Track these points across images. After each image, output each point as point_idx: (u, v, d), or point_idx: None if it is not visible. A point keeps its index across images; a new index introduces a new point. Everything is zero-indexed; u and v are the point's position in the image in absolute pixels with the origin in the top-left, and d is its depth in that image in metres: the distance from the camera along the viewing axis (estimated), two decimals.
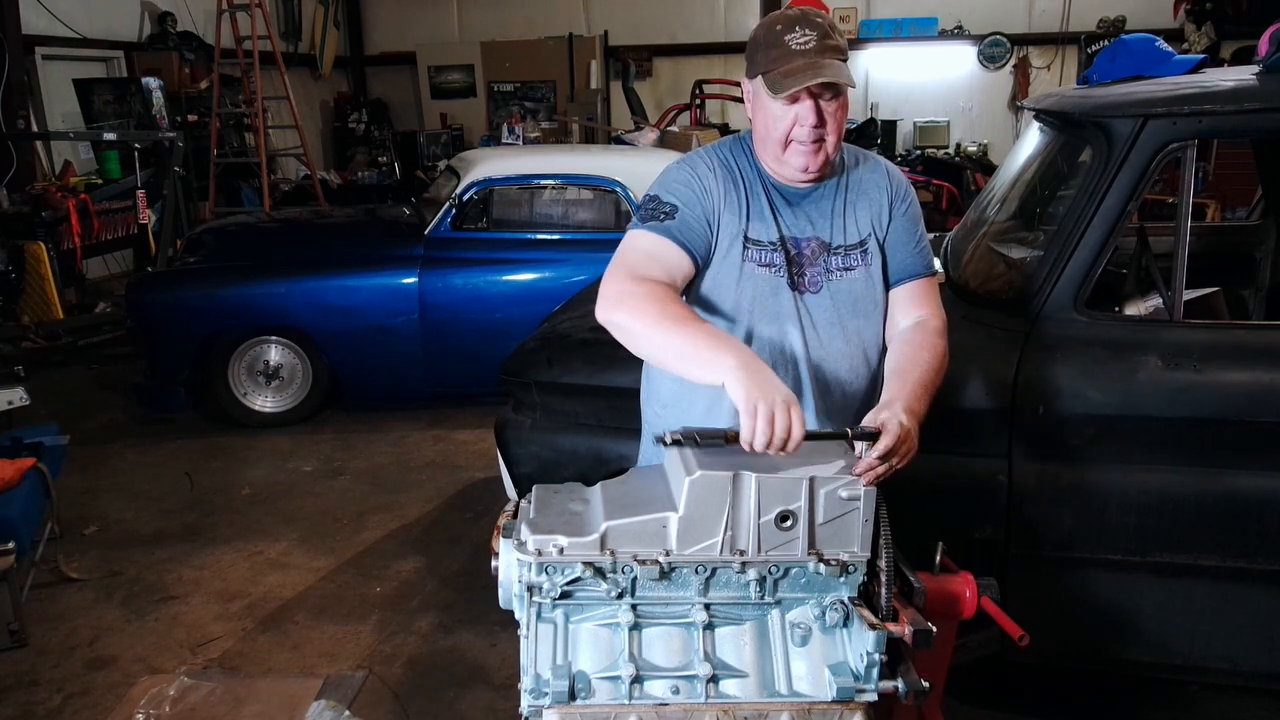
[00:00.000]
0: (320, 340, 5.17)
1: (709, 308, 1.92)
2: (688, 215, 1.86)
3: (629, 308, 1.74)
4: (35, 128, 7.91)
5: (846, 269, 1.92)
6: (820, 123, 1.79)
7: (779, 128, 1.82)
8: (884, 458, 1.62)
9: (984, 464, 2.47)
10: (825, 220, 1.92)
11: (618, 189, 5.27)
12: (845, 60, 1.79)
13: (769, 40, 1.79)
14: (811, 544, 1.56)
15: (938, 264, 2.99)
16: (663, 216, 1.86)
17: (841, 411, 1.94)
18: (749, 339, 1.90)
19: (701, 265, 1.89)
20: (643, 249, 1.85)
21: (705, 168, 1.92)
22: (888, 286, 1.98)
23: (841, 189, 1.94)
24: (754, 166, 1.93)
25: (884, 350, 1.97)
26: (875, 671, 1.53)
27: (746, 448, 1.54)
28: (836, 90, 1.80)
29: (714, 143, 2.03)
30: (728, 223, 1.89)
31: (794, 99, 1.78)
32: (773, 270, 1.88)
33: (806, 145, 1.82)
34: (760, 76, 1.81)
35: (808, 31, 1.76)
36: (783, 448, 1.54)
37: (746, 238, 1.88)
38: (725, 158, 1.94)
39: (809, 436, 1.58)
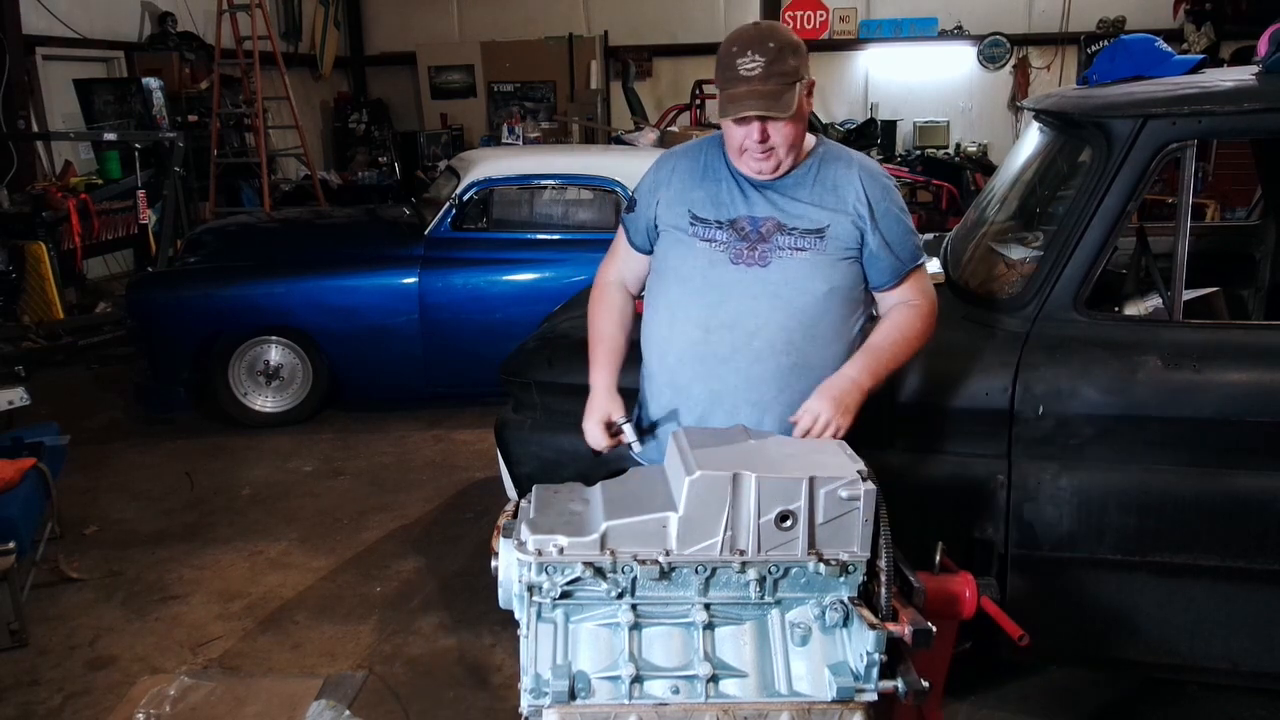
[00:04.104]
0: (320, 340, 5.16)
1: (660, 271, 2.17)
2: (641, 209, 2.20)
3: (590, 311, 2.27)
4: (35, 128, 7.91)
5: (797, 249, 2.04)
6: (765, 139, 1.96)
7: (732, 139, 2.02)
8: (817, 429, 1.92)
9: (984, 464, 2.47)
10: (789, 204, 2.05)
11: (618, 189, 5.26)
12: (795, 81, 1.92)
13: (724, 61, 1.94)
14: (811, 544, 1.57)
15: (935, 262, 3.02)
16: (629, 210, 2.24)
17: (775, 379, 2.05)
18: (687, 302, 2.09)
19: (652, 248, 2.20)
20: (614, 244, 2.31)
21: (669, 162, 2.19)
22: (870, 281, 2.11)
23: (812, 181, 2.06)
24: (723, 158, 2.11)
25: (834, 330, 2.08)
26: (875, 671, 1.53)
27: None
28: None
29: (695, 140, 2.24)
30: (676, 204, 2.11)
31: (739, 120, 1.94)
32: (714, 245, 2.06)
33: (756, 154, 1.99)
34: (718, 92, 1.97)
35: (757, 57, 1.89)
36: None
37: (694, 216, 2.09)
38: (695, 151, 2.17)
39: None
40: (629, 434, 2.09)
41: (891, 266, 2.07)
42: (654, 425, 2.19)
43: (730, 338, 2.04)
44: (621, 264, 2.29)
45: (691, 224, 2.08)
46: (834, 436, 1.90)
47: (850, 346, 2.09)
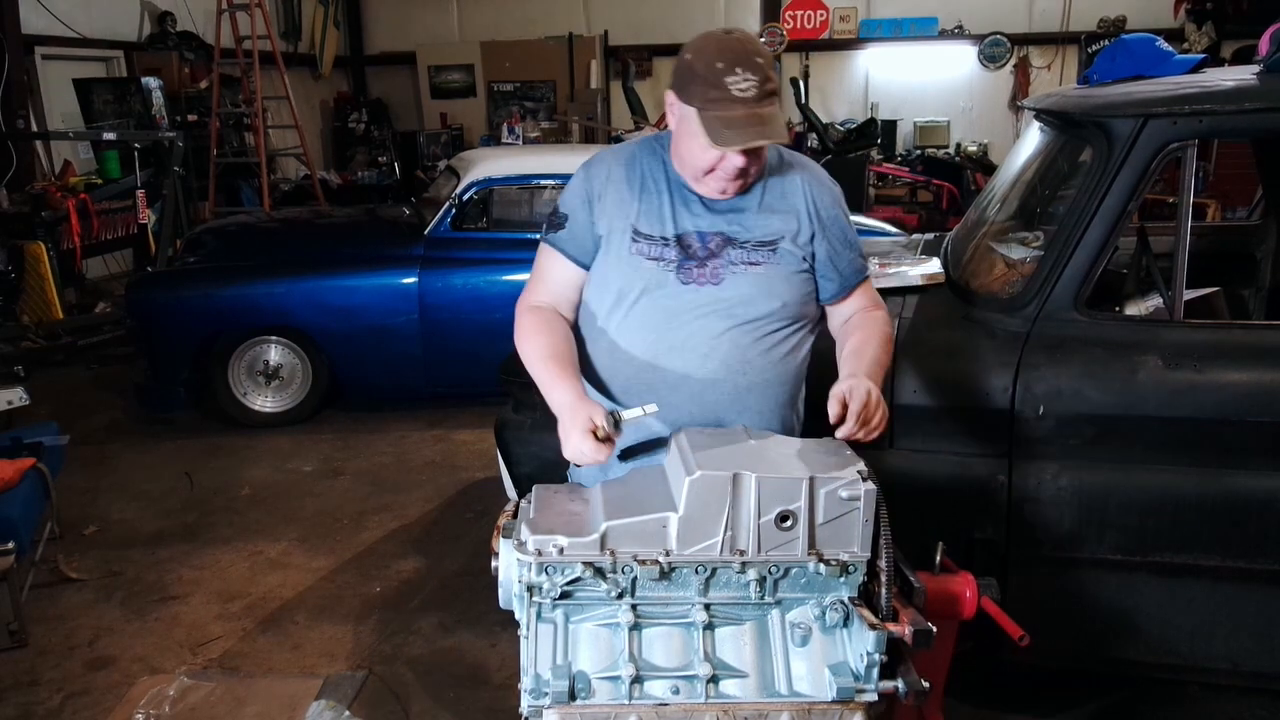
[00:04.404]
0: (320, 340, 5.16)
1: (599, 293, 1.98)
2: (575, 226, 1.98)
3: (520, 340, 1.99)
4: (35, 128, 7.91)
5: (750, 263, 1.92)
6: (745, 165, 1.83)
7: (703, 160, 1.84)
8: (861, 422, 1.74)
9: (984, 464, 2.47)
10: (737, 216, 1.93)
11: None
12: (777, 99, 1.81)
13: (709, 78, 1.75)
14: (811, 544, 1.56)
15: (935, 262, 3.02)
16: (557, 228, 2.00)
17: (732, 401, 1.93)
18: (632, 326, 1.94)
19: (591, 265, 1.99)
20: (539, 270, 2.05)
21: (600, 169, 1.99)
22: (820, 294, 2.02)
23: (761, 189, 1.96)
24: (664, 166, 1.96)
25: (789, 345, 1.98)
26: (875, 671, 1.53)
27: None
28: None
29: (628, 142, 2.08)
30: (615, 217, 1.94)
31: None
32: (661, 264, 1.91)
33: (730, 177, 1.85)
34: (696, 111, 1.78)
35: (749, 76, 1.74)
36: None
37: (636, 231, 1.93)
38: (631, 155, 1.99)
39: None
40: (616, 433, 1.77)
41: (841, 277, 2.00)
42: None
43: (681, 362, 1.91)
44: (553, 288, 2.02)
45: (634, 240, 1.92)
46: (883, 419, 1.76)
47: (802, 361, 2.02)
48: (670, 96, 1.86)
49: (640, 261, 1.91)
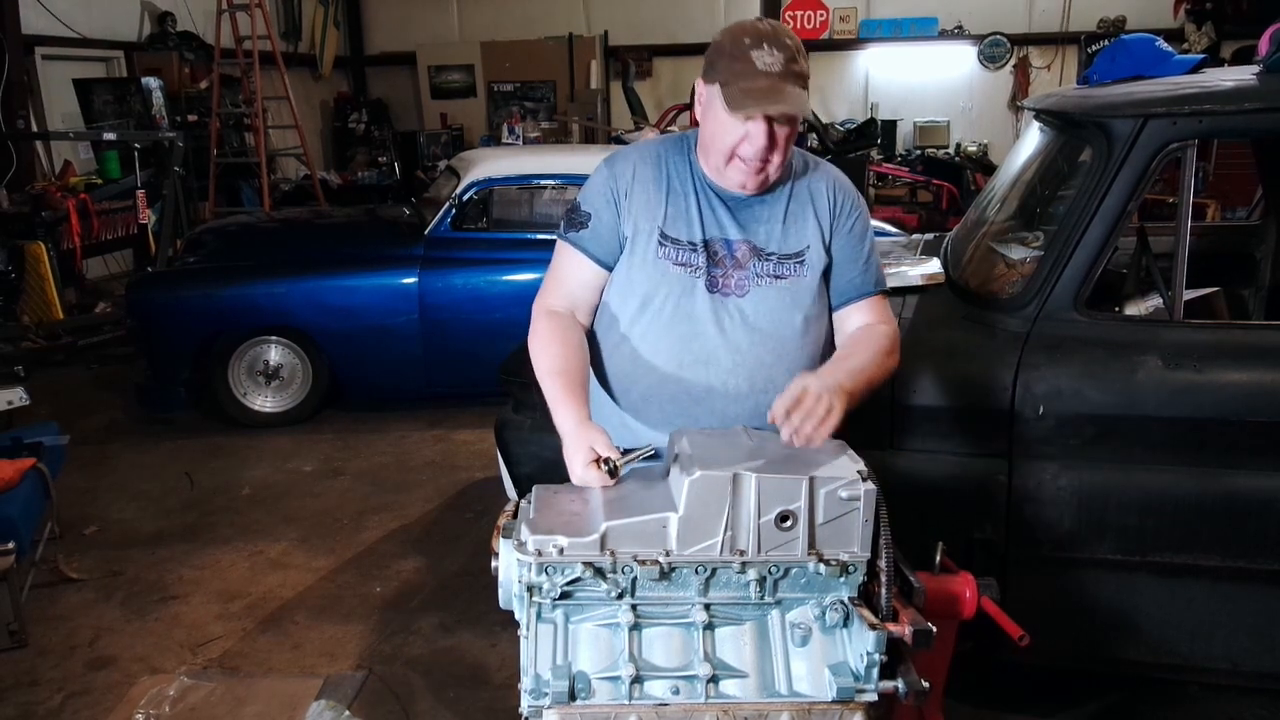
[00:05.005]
0: (320, 340, 5.17)
1: (622, 297, 1.93)
2: (599, 225, 1.92)
3: (533, 345, 1.94)
4: (35, 128, 7.91)
5: (776, 276, 1.89)
6: (769, 145, 1.78)
7: (726, 141, 1.80)
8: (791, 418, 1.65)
9: (984, 464, 2.47)
10: (763, 226, 1.90)
11: None
12: (806, 87, 1.77)
13: (734, 52, 1.74)
14: (811, 544, 1.56)
15: (935, 262, 3.02)
16: (578, 226, 1.95)
17: (752, 417, 1.88)
18: (656, 334, 1.90)
19: (615, 266, 1.94)
20: (556, 269, 1.99)
21: (625, 166, 1.93)
22: (830, 303, 1.97)
23: (786, 197, 1.92)
24: (690, 167, 1.92)
25: (809, 361, 1.92)
26: (875, 671, 1.52)
27: None
28: (791, 117, 1.78)
29: (653, 139, 2.03)
30: (642, 219, 1.90)
31: (749, 117, 1.75)
32: (689, 270, 1.87)
33: (750, 164, 1.81)
34: (719, 86, 1.76)
35: (775, 52, 1.73)
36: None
37: (663, 234, 1.88)
38: (657, 155, 1.94)
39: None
40: (622, 467, 1.75)
41: (855, 283, 1.96)
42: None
43: (706, 375, 1.88)
44: (571, 290, 1.97)
45: (661, 244, 1.87)
46: (827, 415, 1.66)
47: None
48: (699, 85, 1.84)
49: (667, 266, 1.87)
